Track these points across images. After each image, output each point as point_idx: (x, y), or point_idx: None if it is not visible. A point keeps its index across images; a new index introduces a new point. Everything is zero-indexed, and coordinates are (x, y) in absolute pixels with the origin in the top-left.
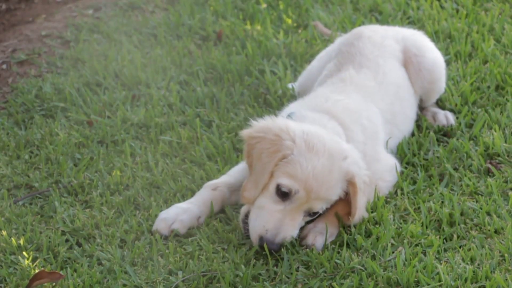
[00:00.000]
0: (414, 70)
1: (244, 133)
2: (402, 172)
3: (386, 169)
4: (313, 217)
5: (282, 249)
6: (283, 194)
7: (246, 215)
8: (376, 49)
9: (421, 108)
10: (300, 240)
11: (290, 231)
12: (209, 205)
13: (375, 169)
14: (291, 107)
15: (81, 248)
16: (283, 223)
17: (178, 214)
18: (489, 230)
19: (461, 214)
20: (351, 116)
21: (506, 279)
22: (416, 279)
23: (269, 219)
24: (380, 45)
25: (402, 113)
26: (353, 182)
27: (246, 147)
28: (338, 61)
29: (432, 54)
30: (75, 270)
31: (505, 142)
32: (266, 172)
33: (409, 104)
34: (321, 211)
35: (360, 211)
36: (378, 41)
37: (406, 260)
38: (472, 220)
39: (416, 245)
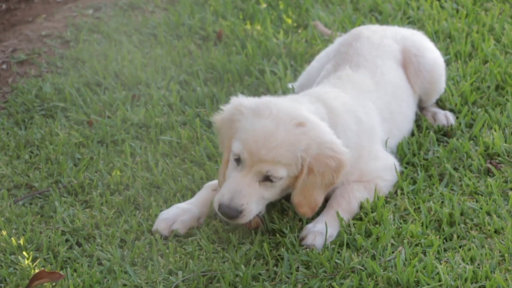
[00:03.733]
0: (414, 70)
1: (214, 120)
2: (402, 172)
3: (385, 168)
4: (273, 182)
5: (282, 249)
6: (237, 160)
7: None
8: (374, 49)
9: (421, 108)
10: (300, 240)
11: (247, 198)
12: (209, 205)
13: (374, 167)
14: None
15: (81, 248)
16: (238, 189)
17: (178, 215)
18: (489, 230)
19: (461, 214)
20: (344, 105)
21: (506, 279)
22: (416, 279)
23: (225, 186)
24: (379, 45)
25: (400, 113)
26: (301, 156)
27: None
28: (336, 61)
29: (432, 54)
30: (75, 270)
31: (505, 142)
32: (224, 147)
33: (407, 104)
34: (275, 178)
35: (304, 194)
36: (377, 42)
37: (406, 260)
38: (472, 220)
39: (416, 245)
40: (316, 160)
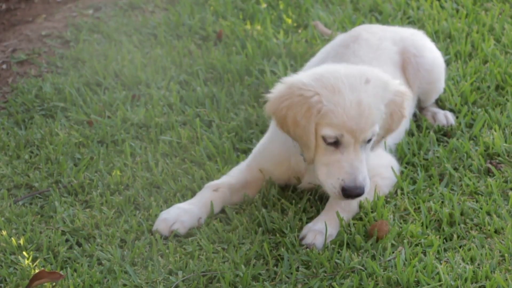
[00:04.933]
0: (413, 70)
1: (268, 108)
2: (402, 172)
3: (383, 165)
4: (370, 141)
5: (282, 249)
6: (334, 143)
7: None
8: (372, 52)
9: (421, 108)
10: (300, 239)
11: (364, 172)
12: (209, 206)
13: (372, 163)
14: None
15: (81, 248)
16: (353, 166)
17: (178, 215)
18: (489, 230)
19: (461, 214)
20: None
21: (506, 279)
22: (416, 279)
23: (339, 170)
24: (377, 48)
25: None
26: (389, 103)
27: (276, 120)
28: (332, 62)
29: (432, 54)
30: (75, 270)
31: (505, 142)
32: (310, 133)
33: None
34: (374, 137)
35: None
36: (375, 44)
37: (406, 260)
38: (472, 220)
39: (416, 245)
40: (389, 104)
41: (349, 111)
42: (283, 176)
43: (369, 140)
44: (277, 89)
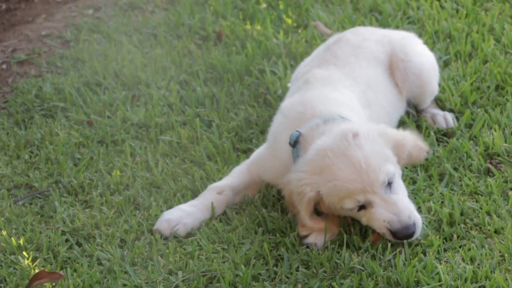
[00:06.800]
0: (401, 75)
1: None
2: (402, 172)
3: None
4: (393, 181)
5: (282, 249)
6: (359, 208)
7: None
8: (351, 50)
9: (420, 109)
10: (300, 239)
11: (403, 208)
12: (212, 209)
13: None
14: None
15: (81, 248)
16: (392, 212)
17: (182, 217)
18: (489, 230)
19: (461, 214)
20: (330, 103)
21: (506, 279)
22: (416, 279)
23: (381, 217)
24: (357, 46)
25: (377, 103)
26: (394, 146)
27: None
28: (311, 66)
29: (420, 58)
30: (75, 270)
31: (505, 142)
32: (336, 213)
33: (385, 97)
34: (392, 178)
35: (412, 148)
36: (356, 44)
37: (406, 260)
38: (472, 220)
39: (416, 245)
40: (396, 147)
41: (346, 176)
42: None
43: (389, 182)
44: (284, 189)
